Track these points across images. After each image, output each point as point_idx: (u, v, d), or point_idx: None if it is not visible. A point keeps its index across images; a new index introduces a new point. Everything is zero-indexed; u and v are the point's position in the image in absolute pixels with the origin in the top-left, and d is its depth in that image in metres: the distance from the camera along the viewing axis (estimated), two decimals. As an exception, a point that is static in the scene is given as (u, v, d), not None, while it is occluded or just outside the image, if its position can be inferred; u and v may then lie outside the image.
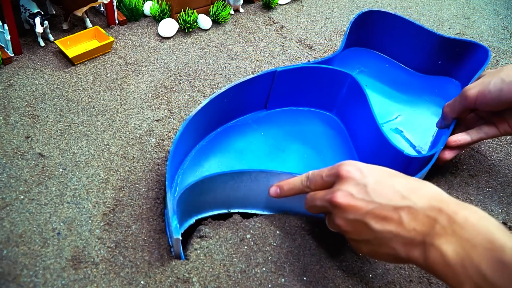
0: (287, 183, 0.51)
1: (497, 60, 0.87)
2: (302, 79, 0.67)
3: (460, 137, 0.60)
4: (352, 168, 0.45)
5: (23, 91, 0.67)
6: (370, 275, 0.50)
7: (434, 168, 0.65)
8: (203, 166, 0.61)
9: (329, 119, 0.70)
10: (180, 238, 0.49)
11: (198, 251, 0.49)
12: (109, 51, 0.76)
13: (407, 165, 0.57)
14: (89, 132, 0.62)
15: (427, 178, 0.62)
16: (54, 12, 0.83)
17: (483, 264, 0.35)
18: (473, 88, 0.58)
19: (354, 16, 0.75)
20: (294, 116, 0.70)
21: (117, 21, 0.82)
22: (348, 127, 0.69)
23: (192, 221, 0.54)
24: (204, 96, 0.70)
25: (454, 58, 0.77)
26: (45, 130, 0.61)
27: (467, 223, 0.37)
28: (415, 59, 0.80)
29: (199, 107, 0.58)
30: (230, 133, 0.65)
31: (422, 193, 0.41)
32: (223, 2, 0.87)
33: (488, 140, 0.70)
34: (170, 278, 0.47)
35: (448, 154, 0.60)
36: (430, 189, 0.42)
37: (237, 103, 0.65)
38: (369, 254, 0.44)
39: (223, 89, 0.60)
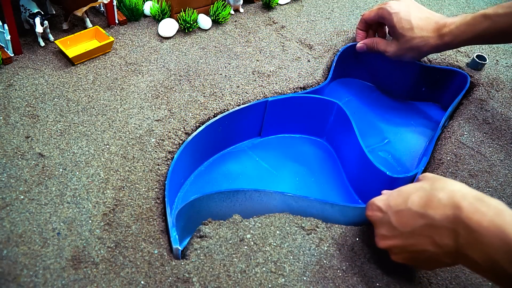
0: None
1: (497, 60, 0.87)
2: (293, 107, 0.72)
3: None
4: (373, 211, 0.50)
5: (23, 91, 0.67)
6: (370, 275, 0.50)
7: (435, 167, 0.66)
8: (201, 189, 0.65)
9: (320, 144, 0.75)
10: (180, 248, 0.49)
11: (198, 251, 0.49)
12: (109, 51, 0.76)
13: (391, 184, 0.61)
14: (89, 132, 0.62)
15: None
16: (54, 12, 0.83)
17: (509, 268, 0.38)
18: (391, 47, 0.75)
19: (339, 50, 0.81)
20: (287, 142, 0.75)
21: (117, 21, 0.82)
22: (337, 151, 0.74)
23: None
24: (204, 96, 0.70)
25: (436, 84, 0.83)
26: (45, 130, 0.61)
27: (482, 228, 0.40)
28: (400, 87, 0.85)
29: (196, 132, 0.63)
30: (227, 159, 0.70)
31: (436, 203, 0.44)
32: (223, 2, 0.87)
33: (488, 140, 0.70)
34: (170, 278, 0.47)
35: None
36: (443, 193, 0.44)
37: (232, 131, 0.70)
38: (433, 269, 0.50)
39: (218, 117, 0.66)
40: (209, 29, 0.85)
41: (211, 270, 0.48)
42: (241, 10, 0.91)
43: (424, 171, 0.66)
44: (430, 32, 0.70)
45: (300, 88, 0.74)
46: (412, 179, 0.62)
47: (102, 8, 0.83)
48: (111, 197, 0.54)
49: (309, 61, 0.80)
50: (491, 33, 0.66)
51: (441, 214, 0.43)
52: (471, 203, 0.42)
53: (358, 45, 0.80)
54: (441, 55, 0.86)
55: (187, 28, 0.82)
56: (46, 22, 0.73)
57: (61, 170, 0.57)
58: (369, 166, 0.64)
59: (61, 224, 0.51)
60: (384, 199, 0.49)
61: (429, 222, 0.44)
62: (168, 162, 0.60)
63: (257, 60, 0.78)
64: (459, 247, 0.42)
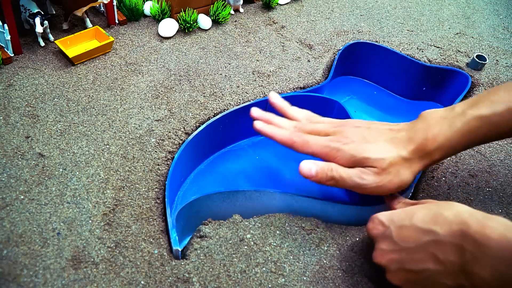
0: None
1: (497, 60, 0.87)
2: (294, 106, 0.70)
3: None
4: (374, 224, 0.48)
5: (23, 91, 0.67)
6: (370, 275, 0.50)
7: (435, 167, 0.66)
8: (201, 188, 0.64)
9: None
10: (180, 249, 0.49)
11: (198, 251, 0.49)
12: (109, 51, 0.76)
13: None
14: (89, 132, 0.62)
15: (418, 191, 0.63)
16: (54, 12, 0.83)
17: None
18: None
19: (341, 48, 0.81)
20: None
21: (117, 21, 0.82)
22: None
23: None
24: (204, 96, 0.70)
25: (437, 84, 0.82)
26: (45, 130, 0.61)
27: (490, 241, 0.38)
28: (401, 86, 0.85)
29: (198, 130, 0.62)
30: (227, 157, 0.70)
31: (442, 220, 0.42)
32: (223, 2, 0.87)
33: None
34: (170, 278, 0.47)
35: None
36: (449, 212, 0.43)
37: (233, 129, 0.69)
38: None
39: (218, 116, 0.65)
40: (209, 29, 0.85)
41: (211, 270, 0.48)
42: (241, 10, 0.91)
43: (423, 172, 0.65)
44: None
45: (300, 88, 0.74)
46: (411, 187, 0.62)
47: (102, 8, 0.83)
48: (111, 197, 0.54)
49: (309, 61, 0.80)
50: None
51: (446, 230, 0.41)
52: (478, 220, 0.40)
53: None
54: (441, 55, 0.86)
55: (187, 28, 0.82)
56: (46, 22, 0.73)
57: (61, 170, 0.57)
58: None
59: (61, 224, 0.51)
60: (387, 214, 0.47)
61: (433, 238, 0.42)
62: (168, 162, 0.60)
63: (257, 60, 0.78)
64: (464, 264, 0.39)
